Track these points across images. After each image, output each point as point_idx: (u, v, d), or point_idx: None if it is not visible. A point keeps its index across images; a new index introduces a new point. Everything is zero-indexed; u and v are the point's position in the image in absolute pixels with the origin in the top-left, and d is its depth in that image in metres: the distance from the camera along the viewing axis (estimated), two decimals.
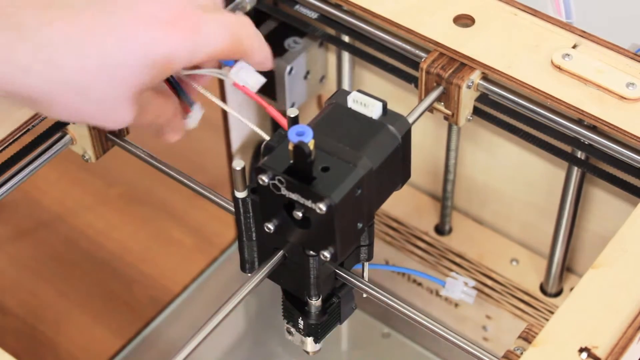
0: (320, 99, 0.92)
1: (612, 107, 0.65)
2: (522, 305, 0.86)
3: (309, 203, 0.51)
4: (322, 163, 0.52)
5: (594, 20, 0.77)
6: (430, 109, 0.70)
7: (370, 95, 0.53)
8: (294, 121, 0.57)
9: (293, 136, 0.50)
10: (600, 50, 0.68)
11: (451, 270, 0.89)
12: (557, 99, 0.66)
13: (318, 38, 0.83)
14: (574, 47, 0.69)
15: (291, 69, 0.83)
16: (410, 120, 0.68)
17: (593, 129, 0.67)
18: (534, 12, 0.71)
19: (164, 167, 0.67)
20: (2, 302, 1.02)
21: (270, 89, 0.85)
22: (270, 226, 0.55)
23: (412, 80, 0.72)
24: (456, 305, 0.91)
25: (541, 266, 0.86)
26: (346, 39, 0.78)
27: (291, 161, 0.51)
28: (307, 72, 0.85)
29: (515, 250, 0.88)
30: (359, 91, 0.54)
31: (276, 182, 0.52)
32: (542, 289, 0.86)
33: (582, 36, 0.70)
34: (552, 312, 0.84)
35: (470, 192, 0.89)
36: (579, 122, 0.67)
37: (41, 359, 0.98)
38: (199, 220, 1.06)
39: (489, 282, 0.87)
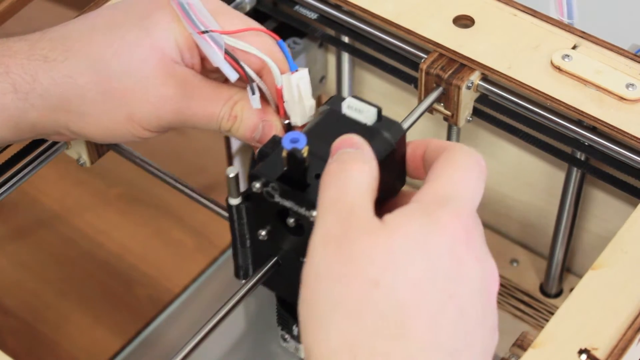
0: (320, 99, 0.92)
1: (611, 108, 0.65)
2: (521, 306, 0.86)
3: (302, 210, 0.51)
4: (316, 170, 0.51)
5: (594, 21, 0.77)
6: (430, 109, 0.70)
7: (365, 101, 0.53)
8: (288, 127, 0.56)
9: (287, 143, 0.49)
10: (600, 51, 0.68)
11: None
12: (556, 99, 0.66)
13: (318, 39, 0.83)
14: (574, 47, 0.69)
15: None
16: (410, 120, 0.68)
17: (593, 130, 0.67)
18: (534, 13, 0.71)
19: (159, 172, 0.66)
20: (2, 302, 1.02)
21: None
22: (263, 233, 0.54)
23: (411, 81, 0.72)
24: None
25: (541, 267, 0.86)
26: (346, 39, 0.78)
27: (285, 168, 0.51)
28: None
29: (515, 250, 0.88)
30: (354, 97, 0.54)
31: (269, 189, 0.51)
32: (542, 290, 0.86)
33: (581, 37, 0.69)
34: (551, 313, 0.84)
35: None
36: (579, 123, 0.67)
37: (41, 359, 0.98)
38: (199, 220, 1.06)
39: None
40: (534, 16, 0.71)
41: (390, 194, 0.52)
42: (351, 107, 0.52)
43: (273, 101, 0.59)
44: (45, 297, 1.02)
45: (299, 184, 0.51)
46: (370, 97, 0.87)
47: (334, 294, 0.43)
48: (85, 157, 0.69)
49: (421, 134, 0.86)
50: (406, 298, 0.42)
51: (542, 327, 0.55)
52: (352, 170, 0.46)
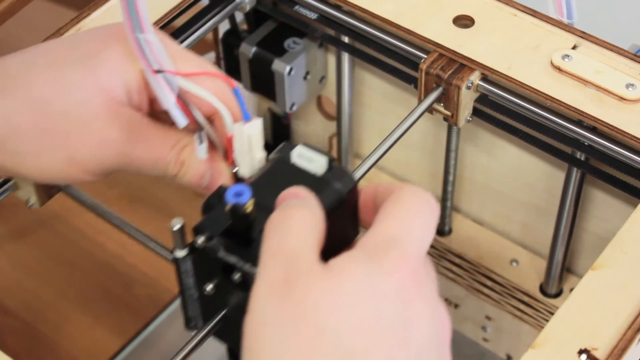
0: (320, 99, 0.92)
1: (611, 108, 0.65)
2: (521, 306, 0.86)
3: (247, 267, 0.49)
4: (263, 223, 0.47)
5: (594, 21, 0.77)
6: (430, 109, 0.70)
7: (315, 149, 0.50)
8: (236, 178, 0.54)
9: (230, 196, 0.47)
10: (600, 51, 0.68)
11: (451, 270, 0.89)
12: (556, 100, 0.66)
13: (318, 39, 0.83)
14: (574, 47, 0.69)
15: (291, 70, 0.83)
16: (410, 120, 0.68)
17: (593, 130, 0.67)
18: (534, 13, 0.71)
19: (110, 217, 0.64)
20: (2, 302, 1.02)
21: (270, 89, 0.85)
22: (210, 287, 0.52)
23: (411, 81, 0.72)
24: (456, 305, 0.91)
25: (541, 267, 0.86)
26: (346, 39, 0.78)
27: (230, 222, 0.49)
28: (307, 73, 0.85)
29: (515, 250, 0.88)
30: (304, 145, 0.51)
31: (214, 243, 0.50)
32: (542, 290, 0.86)
33: (581, 37, 0.69)
34: (551, 313, 0.84)
35: (470, 193, 0.89)
36: (579, 123, 0.67)
37: (41, 359, 0.98)
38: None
39: (489, 283, 0.87)
40: (534, 16, 0.71)
41: (343, 245, 0.50)
42: (301, 156, 0.50)
43: (222, 148, 0.56)
44: (45, 297, 1.02)
45: (243, 239, 0.49)
46: (370, 97, 0.87)
47: (280, 341, 0.41)
48: (34, 199, 0.67)
49: (421, 134, 0.86)
50: (355, 345, 0.41)
51: (542, 327, 0.55)
52: (294, 217, 0.44)
